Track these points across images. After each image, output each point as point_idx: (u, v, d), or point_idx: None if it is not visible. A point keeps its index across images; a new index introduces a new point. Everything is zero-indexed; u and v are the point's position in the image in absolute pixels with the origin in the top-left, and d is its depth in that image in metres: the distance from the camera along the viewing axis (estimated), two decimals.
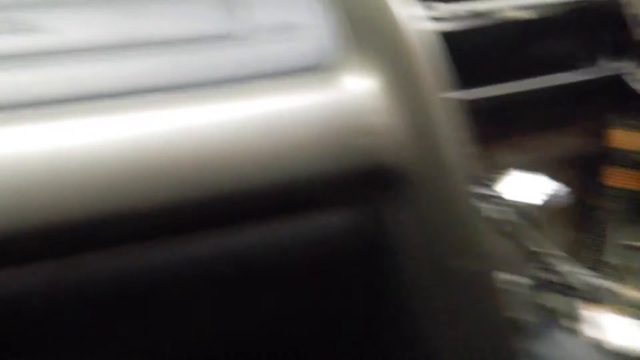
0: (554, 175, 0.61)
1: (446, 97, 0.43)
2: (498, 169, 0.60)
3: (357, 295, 0.50)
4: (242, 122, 0.41)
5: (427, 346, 0.45)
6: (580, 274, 0.54)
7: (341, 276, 0.48)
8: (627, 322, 0.49)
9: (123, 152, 0.35)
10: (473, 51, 0.58)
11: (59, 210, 0.33)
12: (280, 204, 0.43)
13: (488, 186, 0.51)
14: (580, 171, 0.77)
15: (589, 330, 0.52)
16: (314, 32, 0.44)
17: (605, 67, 0.62)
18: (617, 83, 0.63)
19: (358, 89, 0.45)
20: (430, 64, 0.44)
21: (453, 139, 0.44)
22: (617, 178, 0.69)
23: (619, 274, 0.72)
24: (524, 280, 0.62)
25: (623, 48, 0.64)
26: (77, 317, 0.39)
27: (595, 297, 0.52)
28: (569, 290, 0.57)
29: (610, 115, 0.68)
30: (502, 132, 0.66)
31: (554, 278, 0.70)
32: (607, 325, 0.48)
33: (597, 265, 0.72)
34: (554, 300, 0.77)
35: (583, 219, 0.77)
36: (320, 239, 0.44)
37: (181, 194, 0.37)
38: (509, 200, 0.53)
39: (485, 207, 0.50)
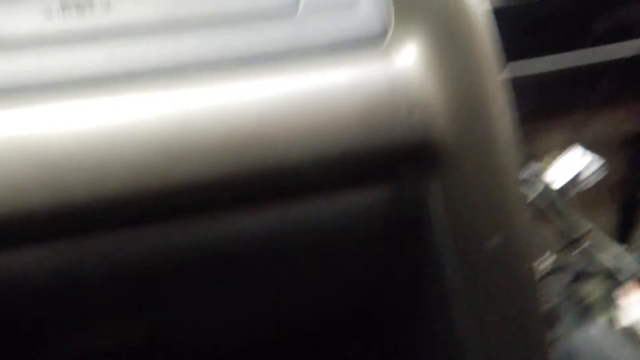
0: (604, 155, 0.59)
1: (497, 73, 0.42)
2: (545, 148, 0.59)
3: (399, 271, 0.51)
4: (297, 97, 0.41)
5: (458, 327, 0.45)
6: (621, 257, 0.53)
7: (386, 252, 0.48)
8: None
9: (183, 127, 0.36)
10: (525, 25, 0.56)
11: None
12: (332, 177, 0.43)
13: (532, 167, 0.50)
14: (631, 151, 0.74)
15: (625, 318, 0.51)
16: (369, 4, 0.44)
17: None
18: None
19: (410, 63, 0.44)
20: (483, 38, 0.43)
21: (503, 117, 0.43)
22: None
23: None
24: (562, 265, 0.62)
25: None
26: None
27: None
28: (608, 275, 0.55)
29: None
30: (552, 108, 0.64)
31: (593, 263, 0.69)
32: None
33: None
34: (592, 288, 0.75)
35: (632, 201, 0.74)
36: (367, 214, 0.45)
37: (238, 167, 0.37)
38: (552, 182, 0.52)
39: (528, 189, 0.49)
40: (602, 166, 0.54)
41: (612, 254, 0.52)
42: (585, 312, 0.71)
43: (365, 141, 0.42)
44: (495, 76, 0.42)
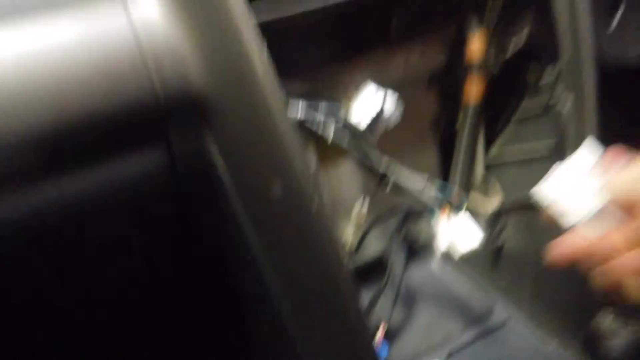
0: (411, 93, 0.59)
1: (248, 18, 0.40)
2: (348, 87, 0.58)
3: (196, 237, 0.47)
4: (28, 57, 0.36)
5: (258, 282, 0.43)
6: (425, 188, 0.54)
7: (175, 218, 0.44)
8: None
9: None
10: None
11: None
12: (82, 148, 0.38)
13: (328, 107, 0.48)
14: (440, 87, 0.77)
15: (442, 244, 0.52)
16: None
17: None
18: None
19: (152, 13, 0.40)
20: None
21: (262, 62, 0.40)
22: (474, 94, 0.70)
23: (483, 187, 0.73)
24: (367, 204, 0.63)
25: None
26: None
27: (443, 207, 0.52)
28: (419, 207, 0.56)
29: (465, 17, 0.66)
30: (354, 48, 0.63)
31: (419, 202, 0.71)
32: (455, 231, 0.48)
33: (464, 184, 0.73)
34: (422, 226, 0.78)
35: (445, 138, 0.78)
36: (131, 182, 0.40)
37: None
38: (352, 122, 0.51)
39: (326, 129, 0.47)
40: (399, 102, 0.54)
41: (417, 186, 0.52)
42: (420, 249, 0.73)
43: (111, 101, 0.37)
44: (248, 21, 0.40)
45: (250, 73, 0.39)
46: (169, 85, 0.40)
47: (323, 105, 0.49)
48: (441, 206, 0.51)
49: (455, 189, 0.67)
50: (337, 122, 0.49)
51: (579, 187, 0.37)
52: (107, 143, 0.39)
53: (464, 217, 0.48)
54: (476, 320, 0.62)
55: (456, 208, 0.51)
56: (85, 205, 0.38)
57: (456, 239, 0.47)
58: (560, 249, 0.35)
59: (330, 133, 0.48)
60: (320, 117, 0.48)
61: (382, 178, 0.50)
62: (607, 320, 0.43)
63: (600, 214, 0.35)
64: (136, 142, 0.40)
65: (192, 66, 0.40)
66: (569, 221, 0.37)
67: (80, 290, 0.43)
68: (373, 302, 0.57)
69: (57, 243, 0.39)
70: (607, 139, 0.57)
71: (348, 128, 0.50)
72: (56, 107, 0.36)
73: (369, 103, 0.54)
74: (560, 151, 0.61)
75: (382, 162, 0.49)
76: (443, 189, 0.54)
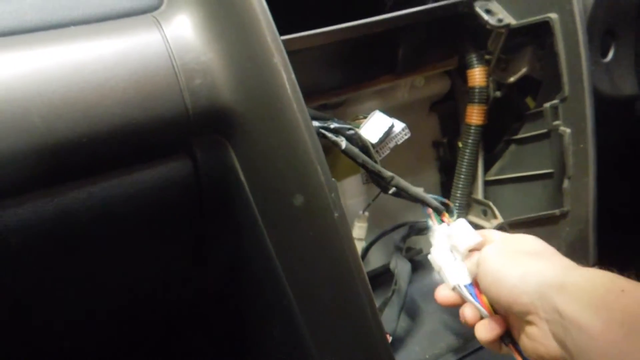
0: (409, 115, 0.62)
1: (276, 38, 0.42)
2: (357, 113, 0.61)
3: (219, 244, 0.49)
4: (68, 69, 0.38)
5: (274, 283, 0.45)
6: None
7: (197, 225, 0.46)
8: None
9: None
10: None
11: None
12: (114, 154, 0.40)
13: (341, 127, 0.51)
14: (443, 110, 0.81)
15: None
16: None
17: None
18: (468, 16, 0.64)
19: (185, 30, 0.43)
20: (256, 4, 0.42)
21: (287, 79, 0.43)
22: (475, 115, 0.73)
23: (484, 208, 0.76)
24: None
25: None
26: None
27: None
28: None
29: (466, 52, 0.70)
30: (361, 75, 0.67)
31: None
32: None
33: (464, 204, 0.76)
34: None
35: (448, 160, 0.81)
36: (164, 190, 0.42)
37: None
38: (361, 138, 0.53)
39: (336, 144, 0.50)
40: (405, 127, 0.57)
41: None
42: (423, 261, 0.75)
43: (143, 112, 0.39)
44: (277, 42, 0.42)
45: (277, 91, 0.42)
46: (198, 101, 0.43)
47: (333, 122, 0.52)
48: (440, 212, 0.54)
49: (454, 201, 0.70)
50: (347, 138, 0.51)
51: (453, 261, 0.50)
52: (136, 151, 0.41)
53: (462, 222, 0.50)
54: None
55: (454, 213, 0.53)
56: (113, 207, 0.40)
57: (456, 242, 0.49)
58: (438, 298, 0.51)
59: (341, 147, 0.50)
60: (330, 134, 0.51)
61: (387, 184, 0.52)
62: None
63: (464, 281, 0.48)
64: (163, 152, 0.42)
65: (221, 83, 0.42)
66: (448, 281, 0.50)
67: (107, 289, 0.45)
68: (378, 313, 0.59)
69: (85, 242, 0.41)
70: (605, 160, 0.61)
71: (357, 143, 0.53)
72: (93, 115, 0.38)
73: (377, 127, 0.56)
74: (559, 173, 0.64)
75: (388, 174, 0.52)
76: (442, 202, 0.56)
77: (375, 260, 0.75)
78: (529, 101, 0.73)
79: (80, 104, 0.38)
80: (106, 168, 0.41)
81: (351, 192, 0.74)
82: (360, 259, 0.44)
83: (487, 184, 0.77)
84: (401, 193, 0.51)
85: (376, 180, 0.52)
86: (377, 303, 0.63)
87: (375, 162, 0.52)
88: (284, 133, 0.43)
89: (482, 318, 0.46)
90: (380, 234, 0.68)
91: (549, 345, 0.39)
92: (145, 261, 0.46)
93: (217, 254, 0.49)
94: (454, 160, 0.78)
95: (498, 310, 0.45)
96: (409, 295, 0.69)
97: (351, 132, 0.51)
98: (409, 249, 0.73)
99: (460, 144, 0.76)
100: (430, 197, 0.52)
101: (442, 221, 0.53)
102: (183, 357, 0.62)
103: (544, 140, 0.66)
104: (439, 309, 0.70)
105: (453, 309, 0.72)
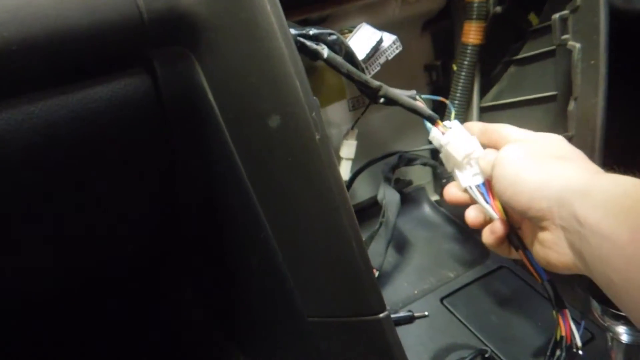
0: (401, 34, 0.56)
1: None
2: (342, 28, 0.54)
3: (179, 168, 0.44)
4: None
5: (250, 215, 0.40)
6: None
7: (150, 146, 0.41)
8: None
9: None
10: None
11: None
12: (53, 67, 0.34)
13: (321, 33, 0.44)
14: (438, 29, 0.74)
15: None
16: None
17: None
18: None
19: None
20: None
21: None
22: (473, 34, 0.66)
23: None
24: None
25: None
26: None
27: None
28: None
29: None
30: None
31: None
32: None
33: None
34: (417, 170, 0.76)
35: (441, 85, 0.75)
36: (111, 106, 0.36)
37: None
38: (344, 45, 0.47)
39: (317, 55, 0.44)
40: (396, 39, 0.50)
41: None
42: (412, 194, 0.72)
43: (86, 15, 0.33)
44: None
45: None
46: (153, 3, 0.36)
47: (312, 28, 0.45)
48: (434, 121, 0.49)
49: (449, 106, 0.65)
50: (328, 45, 0.44)
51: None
52: (80, 63, 0.35)
53: (457, 127, 0.46)
54: (471, 264, 0.61)
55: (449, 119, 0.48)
56: (57, 129, 0.34)
57: (452, 148, 0.45)
58: (447, 196, 0.48)
59: (323, 55, 0.43)
60: (310, 41, 0.44)
61: (376, 94, 0.46)
62: None
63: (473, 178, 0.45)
64: (114, 66, 0.36)
65: None
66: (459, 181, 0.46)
67: (64, 207, 0.40)
68: (365, 246, 0.56)
69: (26, 171, 0.36)
70: (617, 84, 0.56)
71: (340, 51, 0.46)
72: (23, 17, 0.31)
73: (365, 40, 0.50)
74: (563, 95, 0.58)
75: (376, 83, 0.46)
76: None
77: (363, 193, 0.71)
78: (532, 18, 0.67)
79: (6, 1, 0.32)
80: (45, 83, 0.35)
81: (337, 119, 0.69)
82: (345, 188, 0.39)
83: (482, 110, 0.71)
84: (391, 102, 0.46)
85: (364, 91, 0.47)
86: (364, 236, 0.60)
87: (363, 70, 0.46)
88: (256, 42, 0.37)
89: (487, 222, 0.44)
90: (368, 162, 0.63)
91: (563, 253, 0.37)
92: (103, 193, 0.40)
93: (186, 184, 0.44)
94: (447, 85, 0.72)
95: (510, 215, 0.43)
96: (398, 229, 0.65)
97: (333, 37, 0.45)
98: (397, 180, 0.69)
99: (455, 67, 0.70)
100: (423, 106, 0.47)
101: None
102: (158, 295, 0.59)
103: (548, 59, 0.60)
104: (428, 243, 0.67)
105: (444, 243, 0.70)
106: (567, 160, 0.39)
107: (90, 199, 0.39)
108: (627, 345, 0.42)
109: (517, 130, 0.45)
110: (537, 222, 0.39)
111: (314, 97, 0.38)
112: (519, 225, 0.43)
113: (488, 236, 0.44)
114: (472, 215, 0.45)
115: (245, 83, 0.37)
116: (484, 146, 0.46)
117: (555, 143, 0.42)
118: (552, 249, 0.38)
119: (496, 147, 0.45)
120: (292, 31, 0.40)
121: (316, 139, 0.37)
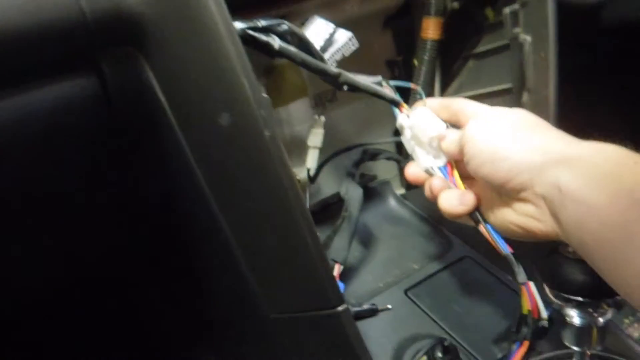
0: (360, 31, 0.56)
1: None
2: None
3: (132, 170, 0.44)
4: None
5: (206, 215, 0.40)
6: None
7: (100, 150, 0.40)
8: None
9: None
10: None
11: None
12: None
13: (271, 24, 0.44)
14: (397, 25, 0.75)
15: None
16: None
17: None
18: None
19: None
20: None
21: None
22: (431, 29, 0.67)
23: None
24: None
25: None
26: None
27: None
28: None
29: None
30: None
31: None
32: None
33: None
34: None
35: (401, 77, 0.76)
36: (56, 113, 0.36)
37: None
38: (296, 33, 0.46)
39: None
40: (352, 36, 0.51)
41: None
42: (377, 188, 0.72)
43: (25, 16, 0.32)
44: None
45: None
46: (97, 2, 0.36)
47: (261, 20, 0.44)
48: (398, 104, 0.49)
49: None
50: (279, 35, 0.44)
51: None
52: (20, 66, 0.34)
53: (422, 110, 0.46)
54: (435, 257, 0.62)
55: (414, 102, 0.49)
56: (3, 130, 0.34)
57: (418, 131, 0.46)
58: (408, 175, 0.49)
59: (274, 47, 0.43)
60: (260, 34, 0.43)
61: (336, 79, 0.46)
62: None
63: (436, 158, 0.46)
64: (59, 68, 0.36)
65: None
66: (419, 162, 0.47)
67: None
68: (328, 242, 0.56)
69: None
70: (568, 74, 0.57)
71: (293, 40, 0.45)
72: None
73: (317, 34, 0.50)
74: (518, 87, 0.60)
75: (334, 71, 0.46)
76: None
77: (328, 189, 0.71)
78: (489, 12, 0.68)
79: None
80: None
81: (299, 117, 0.69)
82: (297, 184, 0.39)
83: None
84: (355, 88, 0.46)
85: (325, 79, 0.47)
86: (328, 232, 0.61)
87: (322, 58, 0.46)
88: (202, 40, 0.37)
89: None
90: (332, 154, 0.63)
91: (544, 221, 0.37)
92: (48, 202, 0.40)
93: (141, 186, 0.44)
94: (409, 80, 0.73)
95: (479, 188, 0.44)
96: (362, 223, 0.66)
97: (284, 27, 0.44)
98: (362, 175, 0.69)
99: (415, 62, 0.71)
100: (387, 91, 0.47)
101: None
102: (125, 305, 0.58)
103: (503, 53, 0.61)
104: (393, 236, 0.67)
105: (409, 236, 0.71)
106: (541, 131, 0.40)
107: (35, 209, 0.39)
108: (578, 328, 0.43)
109: (480, 105, 0.45)
110: (514, 195, 0.39)
111: (265, 95, 0.38)
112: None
113: (457, 206, 0.43)
114: (437, 184, 0.45)
115: (194, 82, 0.38)
116: (445, 122, 0.46)
117: (522, 115, 0.42)
118: (534, 217, 0.38)
119: (457, 123, 0.45)
120: (241, 24, 0.40)
121: (265, 136, 0.37)
